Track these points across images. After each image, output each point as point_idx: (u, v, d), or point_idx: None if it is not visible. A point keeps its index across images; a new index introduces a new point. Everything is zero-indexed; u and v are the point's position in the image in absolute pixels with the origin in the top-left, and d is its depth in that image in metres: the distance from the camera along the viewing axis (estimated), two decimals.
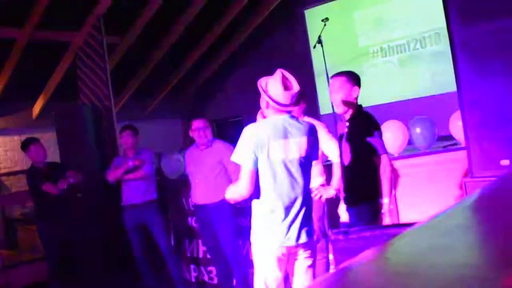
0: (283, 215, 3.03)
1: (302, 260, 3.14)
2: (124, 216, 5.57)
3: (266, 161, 3.01)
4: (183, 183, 5.83)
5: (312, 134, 3.17)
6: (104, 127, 6.78)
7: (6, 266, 6.93)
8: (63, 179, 5.54)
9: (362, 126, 3.74)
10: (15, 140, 8.61)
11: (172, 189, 6.22)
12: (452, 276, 0.96)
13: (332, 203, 4.30)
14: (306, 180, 3.13)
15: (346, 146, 3.84)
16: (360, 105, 3.82)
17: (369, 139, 3.70)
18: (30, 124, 8.86)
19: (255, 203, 3.14)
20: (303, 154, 3.08)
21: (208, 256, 5.48)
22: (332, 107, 3.91)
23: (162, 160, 7.34)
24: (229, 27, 9.34)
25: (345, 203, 3.87)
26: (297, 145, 3.06)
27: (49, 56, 7.96)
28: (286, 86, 3.02)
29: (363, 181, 3.71)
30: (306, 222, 3.11)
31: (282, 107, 3.05)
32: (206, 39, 9.47)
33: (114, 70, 7.95)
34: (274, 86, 3.04)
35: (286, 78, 3.05)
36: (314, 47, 7.34)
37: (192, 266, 5.82)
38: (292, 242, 3.05)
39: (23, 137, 6.35)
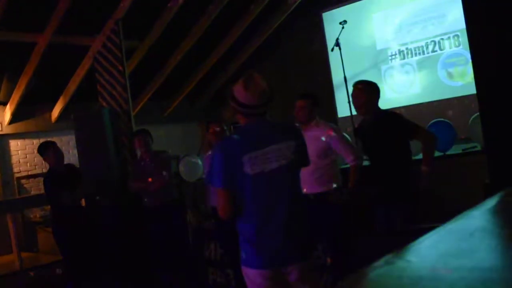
0: (267, 234, 2.71)
1: (296, 285, 2.77)
2: (146, 216, 5.66)
3: (242, 177, 2.68)
4: (201, 186, 5.85)
5: (295, 138, 2.83)
6: (122, 130, 6.83)
7: (26, 268, 7.00)
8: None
9: (388, 124, 4.01)
10: (35, 143, 8.71)
11: (191, 192, 6.25)
12: (477, 279, 0.95)
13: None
14: (293, 191, 2.81)
15: (374, 146, 3.98)
16: (379, 108, 4.09)
17: (399, 128, 3.95)
18: (49, 127, 8.96)
19: (237, 222, 2.83)
20: (286, 161, 2.73)
21: (226, 259, 5.48)
22: (350, 109, 4.13)
23: (180, 163, 7.37)
24: (247, 31, 9.35)
25: (377, 201, 3.97)
26: (277, 153, 2.71)
27: (68, 60, 8.04)
28: (248, 85, 2.67)
29: (393, 179, 3.84)
30: (297, 238, 2.76)
31: (250, 110, 2.72)
32: (223, 43, 9.49)
33: (132, 74, 8.00)
34: (237, 88, 2.72)
35: (251, 78, 2.70)
36: (332, 50, 7.37)
37: (209, 269, 5.82)
38: (280, 263, 2.73)
39: (42, 140, 6.42)
